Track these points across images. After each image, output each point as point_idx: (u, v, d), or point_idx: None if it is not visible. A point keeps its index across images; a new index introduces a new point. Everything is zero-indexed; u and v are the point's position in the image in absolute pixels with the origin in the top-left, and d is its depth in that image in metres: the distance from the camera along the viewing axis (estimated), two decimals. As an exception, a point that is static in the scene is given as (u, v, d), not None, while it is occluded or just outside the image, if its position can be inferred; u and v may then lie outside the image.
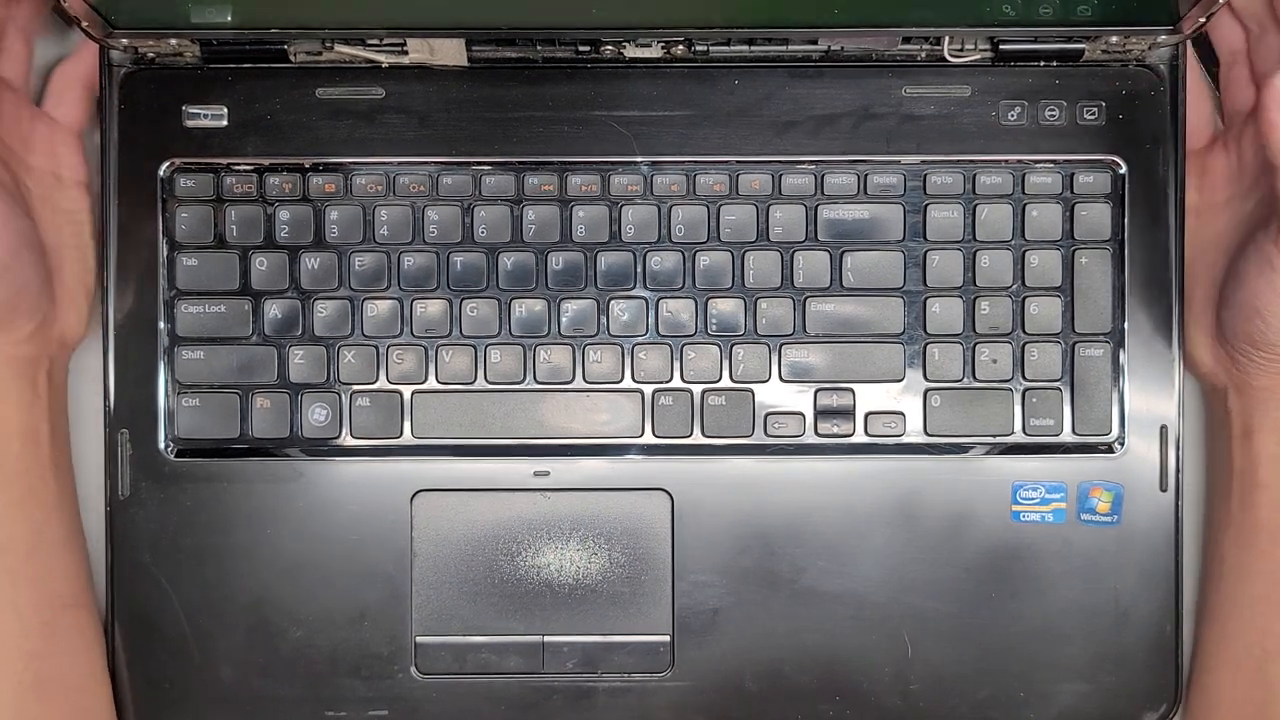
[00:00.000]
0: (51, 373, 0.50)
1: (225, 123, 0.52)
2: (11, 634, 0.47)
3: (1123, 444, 0.51)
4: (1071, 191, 0.51)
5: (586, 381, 0.52)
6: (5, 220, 0.46)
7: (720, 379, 0.52)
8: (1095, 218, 0.51)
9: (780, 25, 0.50)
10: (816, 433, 0.52)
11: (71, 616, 0.49)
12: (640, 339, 0.52)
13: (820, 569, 0.51)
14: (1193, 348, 0.52)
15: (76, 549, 0.51)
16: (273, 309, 0.52)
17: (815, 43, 0.52)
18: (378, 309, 0.52)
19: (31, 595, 0.48)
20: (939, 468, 0.52)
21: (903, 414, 0.52)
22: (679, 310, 0.52)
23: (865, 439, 0.52)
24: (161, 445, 0.51)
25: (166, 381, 0.52)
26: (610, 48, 0.51)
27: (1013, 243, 0.52)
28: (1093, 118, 0.52)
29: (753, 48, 0.52)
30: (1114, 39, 0.50)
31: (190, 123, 0.52)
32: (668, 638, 0.52)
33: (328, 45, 0.51)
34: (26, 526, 0.48)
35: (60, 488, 0.50)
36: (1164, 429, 0.51)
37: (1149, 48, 0.51)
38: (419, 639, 0.52)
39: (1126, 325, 0.51)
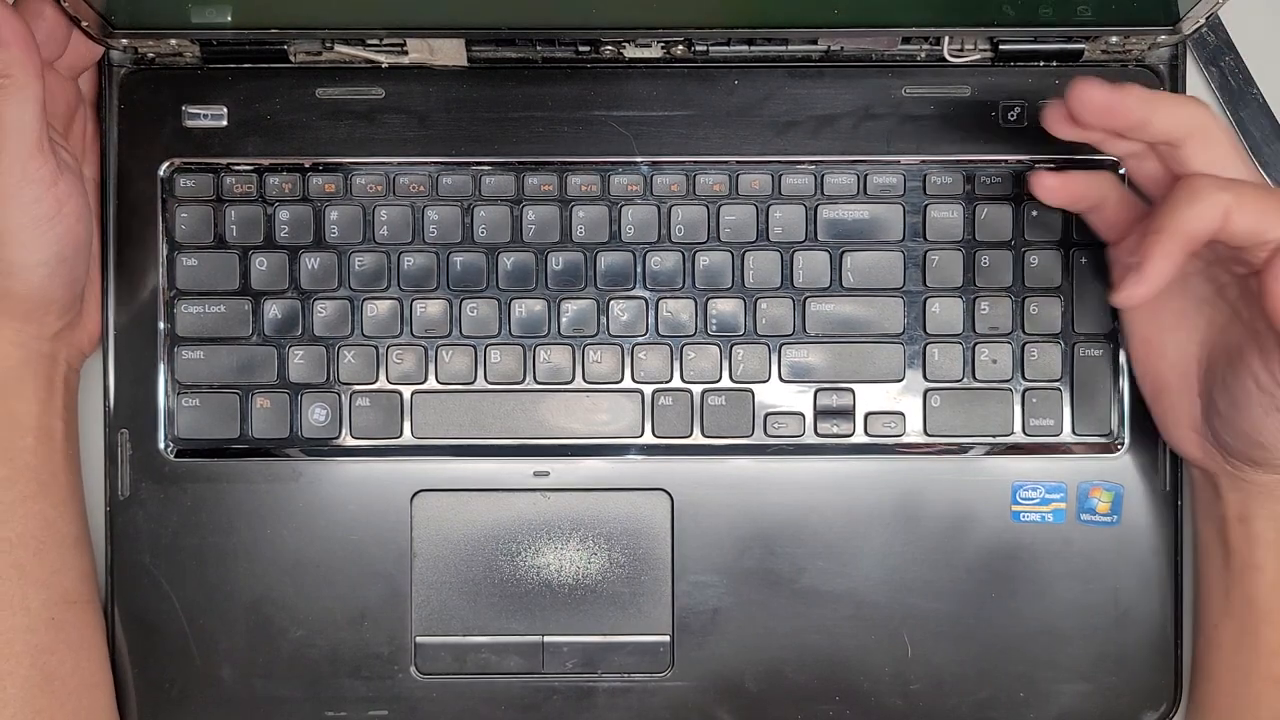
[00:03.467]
0: (67, 376, 0.51)
1: (225, 123, 0.52)
2: (20, 629, 0.47)
3: (1123, 444, 0.51)
4: (1071, 191, 0.51)
5: (586, 381, 0.52)
6: (79, 215, 0.48)
7: (720, 379, 0.52)
8: (1095, 218, 0.51)
9: (780, 25, 0.50)
10: (816, 433, 0.52)
11: (77, 613, 0.50)
12: (640, 339, 0.52)
13: (820, 569, 0.51)
14: (1175, 441, 0.49)
15: (84, 548, 0.51)
16: (273, 309, 0.52)
17: (815, 43, 0.52)
18: (378, 309, 0.52)
19: (40, 592, 0.48)
20: (939, 468, 0.52)
21: (903, 414, 0.52)
22: (679, 310, 0.52)
23: (865, 439, 0.52)
24: (161, 445, 0.51)
25: (166, 381, 0.52)
26: (610, 48, 0.51)
27: (1012, 243, 0.52)
28: (1093, 118, 0.51)
29: (753, 48, 0.52)
30: (1114, 39, 0.50)
31: (190, 123, 0.52)
32: (667, 638, 0.52)
33: (328, 45, 0.51)
34: (38, 522, 0.49)
35: (70, 486, 0.51)
36: (1164, 429, 0.51)
37: (1149, 48, 0.51)
38: (419, 639, 0.52)
39: (1126, 325, 0.51)
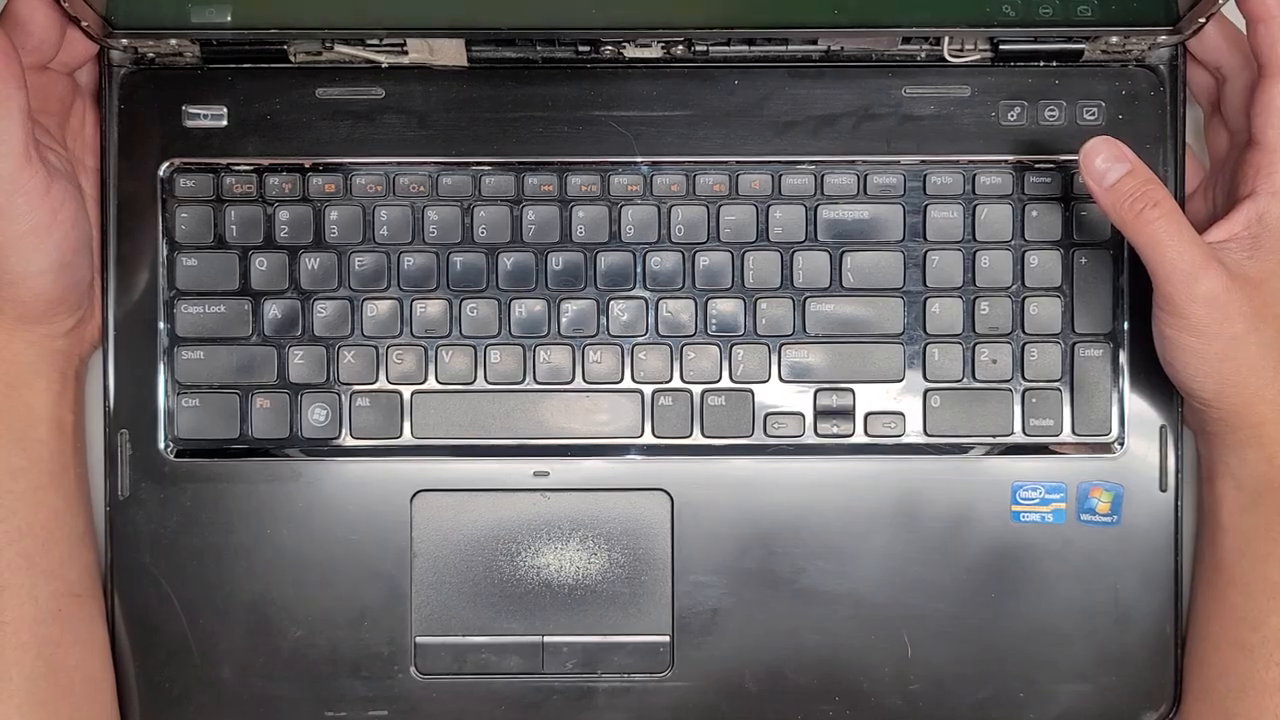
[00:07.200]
0: (78, 369, 0.51)
1: (225, 123, 0.52)
2: (27, 620, 0.48)
3: (1122, 444, 0.51)
4: (1071, 192, 0.51)
5: (586, 382, 0.52)
6: (75, 219, 0.48)
7: (720, 379, 0.52)
8: (1095, 218, 0.51)
9: (780, 25, 0.50)
10: (816, 433, 0.52)
11: (82, 607, 0.50)
12: (640, 339, 0.52)
13: (820, 569, 0.51)
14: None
15: (89, 542, 0.51)
16: (272, 309, 0.52)
17: (815, 43, 0.52)
18: (377, 309, 0.52)
19: (48, 583, 0.48)
20: (939, 468, 0.52)
21: (902, 414, 0.52)
22: (679, 310, 0.52)
23: (865, 439, 0.52)
24: (161, 445, 0.51)
25: (166, 381, 0.52)
26: (610, 48, 0.51)
27: (1012, 243, 0.52)
28: (1092, 118, 0.52)
29: (753, 48, 0.52)
30: (1114, 39, 0.50)
31: (190, 123, 0.52)
32: (667, 638, 0.52)
33: (328, 45, 0.51)
34: (47, 514, 0.49)
35: (78, 478, 0.51)
36: (1164, 429, 0.51)
37: (1149, 48, 0.51)
38: (419, 639, 0.52)
39: (1126, 325, 0.51)
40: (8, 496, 0.48)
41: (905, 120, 0.52)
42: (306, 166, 0.52)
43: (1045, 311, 0.51)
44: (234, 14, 0.49)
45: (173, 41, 0.50)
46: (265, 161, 0.52)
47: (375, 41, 0.51)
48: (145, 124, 0.52)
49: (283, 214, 0.52)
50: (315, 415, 0.52)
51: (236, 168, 0.52)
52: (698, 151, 0.52)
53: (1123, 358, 0.51)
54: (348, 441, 0.52)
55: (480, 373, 0.52)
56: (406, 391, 0.52)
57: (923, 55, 0.52)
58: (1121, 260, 0.51)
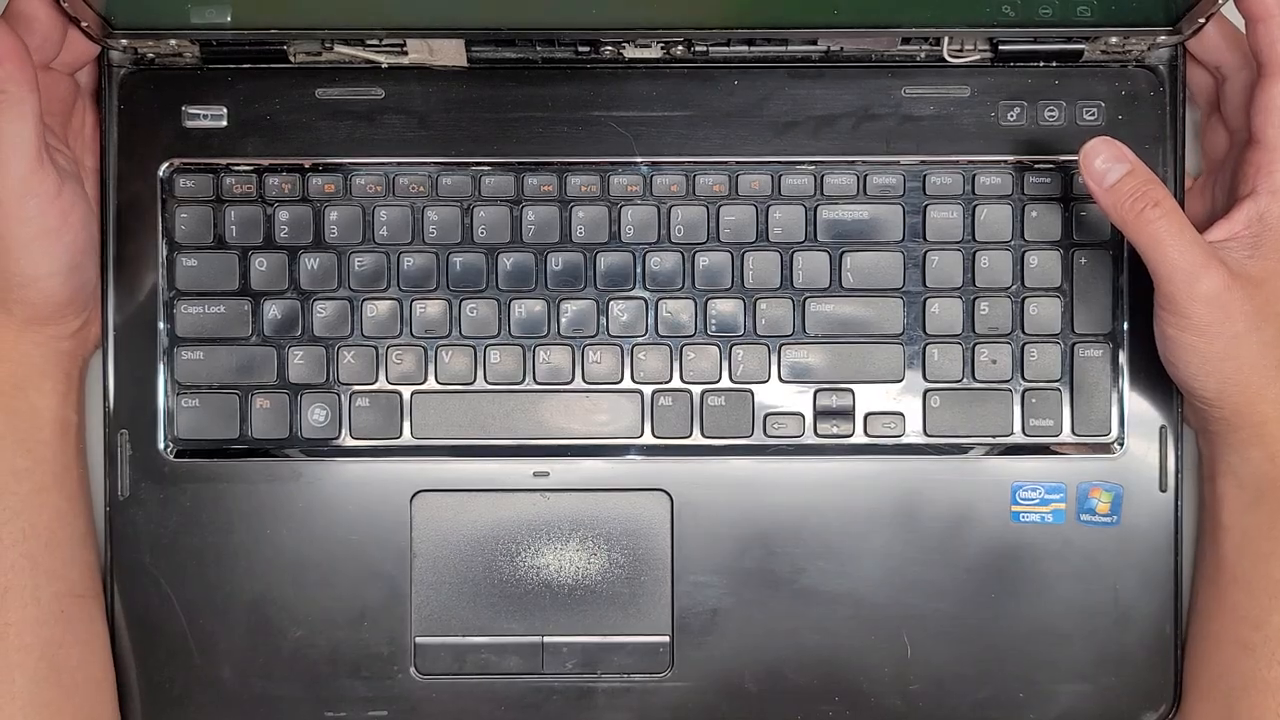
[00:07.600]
0: (81, 371, 0.52)
1: (225, 123, 0.52)
2: (30, 621, 0.48)
3: (1122, 445, 0.51)
4: (1071, 192, 0.51)
5: (586, 382, 0.52)
6: (84, 221, 0.49)
7: (720, 379, 0.52)
8: (1095, 218, 0.51)
9: (780, 25, 0.50)
10: (816, 433, 0.52)
11: (84, 607, 0.50)
12: (640, 339, 0.52)
13: (820, 569, 0.51)
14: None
15: (91, 542, 0.51)
16: (272, 309, 0.52)
17: (815, 43, 0.52)
18: (377, 309, 0.52)
19: (51, 584, 0.49)
20: (939, 468, 0.52)
21: (902, 414, 0.52)
22: (678, 311, 0.52)
23: (865, 439, 0.52)
24: (161, 446, 0.51)
25: (166, 382, 0.52)
26: (610, 48, 0.51)
27: (1012, 243, 0.52)
28: (1092, 118, 0.52)
29: (752, 48, 0.52)
30: (1114, 39, 0.50)
31: (190, 123, 0.52)
32: (667, 638, 0.52)
33: (328, 45, 0.51)
34: (50, 514, 0.49)
35: (80, 479, 0.51)
36: (1163, 429, 0.51)
37: (1149, 48, 0.51)
38: (419, 639, 0.52)
39: (1126, 325, 0.51)
40: (12, 498, 0.48)
41: (905, 120, 0.52)
42: (306, 166, 0.52)
43: (1045, 312, 0.51)
44: (234, 14, 0.49)
45: (172, 42, 0.50)
46: (265, 161, 0.52)
47: (375, 42, 0.51)
48: (145, 124, 0.52)
49: (282, 214, 0.52)
50: (315, 415, 0.52)
51: (236, 168, 0.52)
52: (697, 152, 0.52)
53: (1122, 358, 0.51)
54: (348, 441, 0.52)
55: (480, 373, 0.52)
56: (406, 391, 0.52)
57: (922, 55, 0.52)
58: (1121, 260, 0.51)
